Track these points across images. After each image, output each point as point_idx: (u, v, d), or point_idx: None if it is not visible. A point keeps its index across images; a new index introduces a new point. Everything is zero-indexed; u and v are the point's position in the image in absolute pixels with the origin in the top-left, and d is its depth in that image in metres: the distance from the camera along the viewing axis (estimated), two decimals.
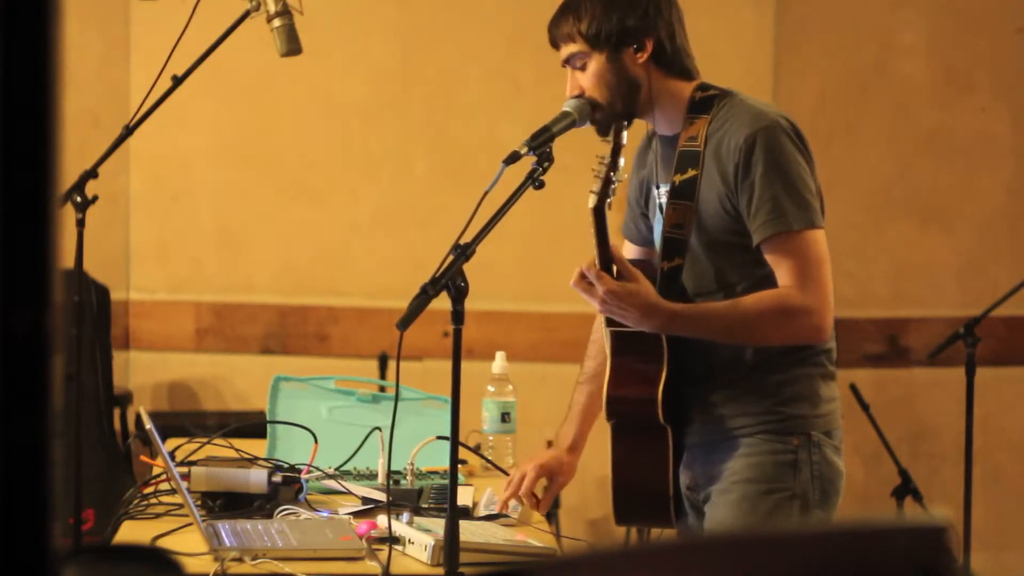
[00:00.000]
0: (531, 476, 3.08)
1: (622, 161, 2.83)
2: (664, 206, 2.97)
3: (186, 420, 5.00)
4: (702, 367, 2.95)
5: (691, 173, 2.92)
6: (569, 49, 2.95)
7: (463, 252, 2.60)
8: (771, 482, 2.91)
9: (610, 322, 2.94)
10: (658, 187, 3.02)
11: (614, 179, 2.81)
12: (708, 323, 2.87)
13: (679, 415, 2.97)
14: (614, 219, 2.89)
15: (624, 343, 2.95)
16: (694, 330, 2.88)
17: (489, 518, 3.07)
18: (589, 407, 3.15)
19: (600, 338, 3.11)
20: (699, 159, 2.90)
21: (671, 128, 2.98)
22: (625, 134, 2.84)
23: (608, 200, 2.82)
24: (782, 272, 2.86)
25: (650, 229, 3.07)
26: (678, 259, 2.92)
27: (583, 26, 2.93)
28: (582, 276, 2.81)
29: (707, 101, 2.94)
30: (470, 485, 3.35)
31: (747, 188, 2.85)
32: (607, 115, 2.94)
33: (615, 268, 2.84)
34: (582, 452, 3.17)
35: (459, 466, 2.76)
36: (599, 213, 2.83)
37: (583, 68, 2.95)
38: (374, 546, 2.78)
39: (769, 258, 2.87)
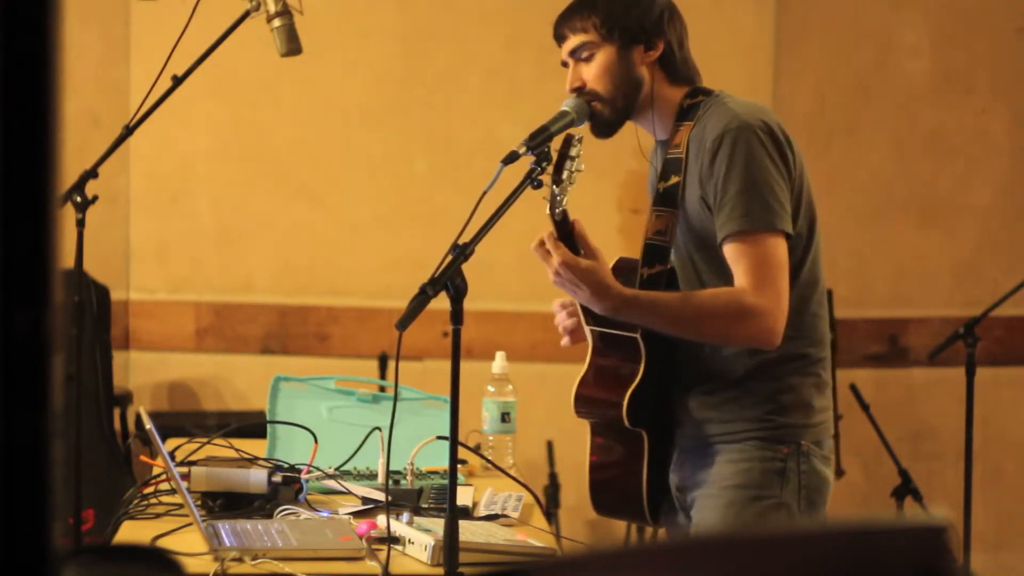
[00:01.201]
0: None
1: (577, 169, 2.82)
2: (649, 212, 2.97)
3: (186, 420, 5.00)
4: (695, 371, 2.94)
5: (674, 180, 2.92)
6: (578, 39, 2.95)
7: (462, 252, 2.60)
8: (758, 489, 2.90)
9: (592, 320, 2.94)
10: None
11: (557, 191, 2.82)
12: (659, 312, 2.84)
13: (669, 418, 2.96)
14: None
15: (605, 343, 2.95)
16: (644, 318, 2.85)
17: (489, 518, 3.07)
18: None
19: None
20: (681, 165, 2.91)
21: (664, 133, 2.99)
22: (577, 147, 2.83)
23: (559, 209, 2.84)
24: (738, 272, 2.83)
25: None
26: (659, 266, 2.92)
27: (598, 18, 2.93)
28: (541, 243, 2.83)
29: (693, 108, 2.94)
30: (470, 485, 3.35)
31: (712, 187, 2.85)
32: (608, 109, 2.94)
33: (578, 245, 2.86)
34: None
35: (459, 466, 2.76)
36: (555, 221, 2.85)
37: (588, 60, 2.95)
38: (374, 546, 2.78)
39: (728, 257, 2.85)
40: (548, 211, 2.84)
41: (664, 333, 2.87)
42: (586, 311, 2.94)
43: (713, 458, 2.93)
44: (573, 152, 2.82)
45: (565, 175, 2.81)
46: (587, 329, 2.97)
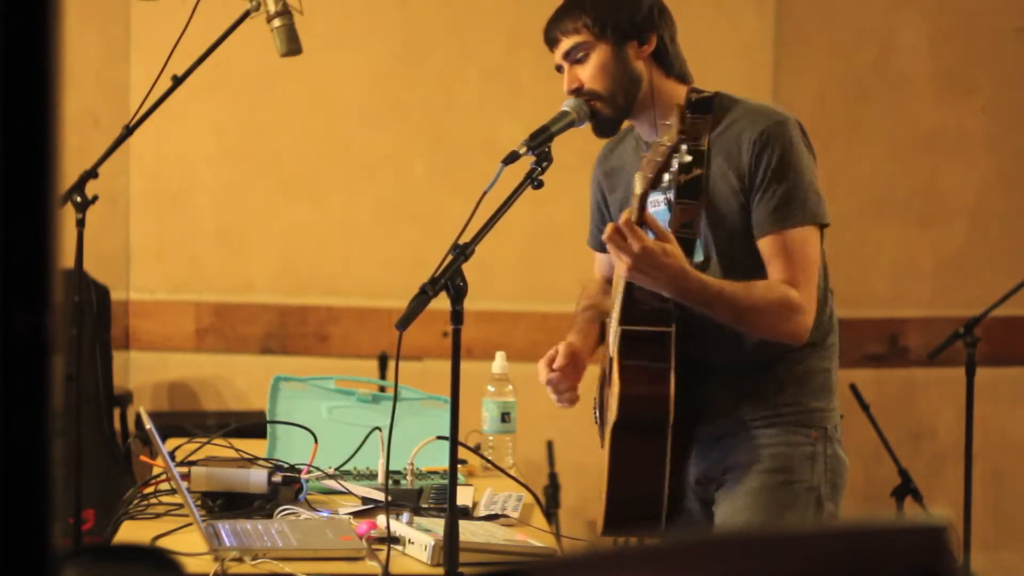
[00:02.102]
0: (562, 350, 3.06)
1: (684, 148, 2.70)
2: (672, 206, 2.93)
3: (186, 420, 5.00)
4: (722, 360, 2.93)
5: (696, 172, 2.90)
6: (571, 40, 2.95)
7: (462, 252, 2.59)
8: (791, 473, 2.92)
9: (627, 320, 2.90)
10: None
11: (673, 165, 2.68)
12: (724, 300, 2.81)
13: (689, 410, 2.95)
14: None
15: (631, 344, 2.88)
16: (708, 305, 2.81)
17: (489, 518, 3.07)
18: (592, 325, 3.15)
19: (597, 280, 3.17)
20: (704, 157, 2.90)
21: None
22: (687, 115, 2.71)
23: (680, 179, 2.72)
24: (777, 268, 2.85)
25: None
26: (687, 259, 2.91)
27: (589, 17, 2.93)
28: (616, 231, 2.71)
29: (705, 102, 2.94)
30: (470, 485, 3.35)
31: (759, 183, 2.86)
32: (608, 107, 2.94)
33: (647, 230, 2.76)
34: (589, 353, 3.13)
35: (459, 466, 2.76)
36: (643, 201, 2.74)
37: (583, 60, 2.95)
38: (374, 546, 2.78)
39: (766, 251, 2.86)
40: (641, 187, 2.70)
41: (719, 320, 2.84)
42: (624, 311, 2.87)
43: (744, 444, 2.93)
44: (686, 122, 2.69)
45: (681, 147, 2.69)
46: (618, 330, 2.90)
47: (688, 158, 2.70)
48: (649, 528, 2.99)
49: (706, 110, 2.92)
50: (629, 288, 2.84)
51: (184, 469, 3.02)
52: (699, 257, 2.92)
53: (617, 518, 2.97)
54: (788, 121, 2.90)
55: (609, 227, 2.72)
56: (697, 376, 2.94)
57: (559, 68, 3.00)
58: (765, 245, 2.86)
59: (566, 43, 2.96)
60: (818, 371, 2.97)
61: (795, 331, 2.87)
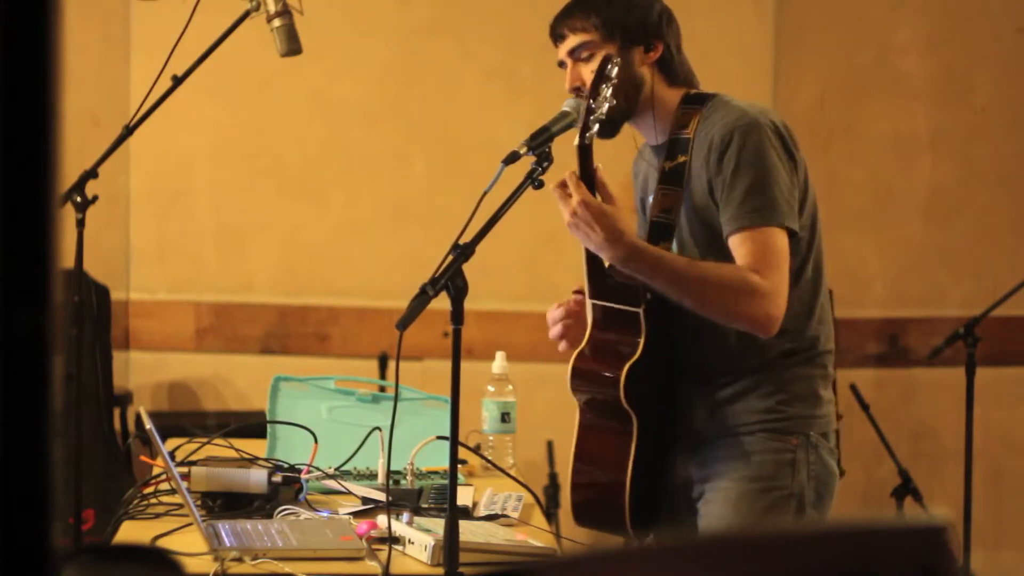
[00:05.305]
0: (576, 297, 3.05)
1: (608, 92, 2.80)
2: (654, 191, 2.96)
3: (186, 420, 5.00)
4: (705, 365, 2.94)
5: (680, 159, 2.93)
6: (579, 38, 2.96)
7: (462, 252, 2.60)
8: (770, 480, 2.91)
9: (595, 294, 2.92)
10: (652, 196, 3.01)
11: (595, 108, 2.78)
12: (664, 268, 2.82)
13: (667, 411, 2.95)
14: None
15: (606, 319, 2.92)
16: (650, 272, 2.82)
17: (489, 518, 3.07)
18: None
19: None
20: (688, 146, 2.91)
21: (661, 136, 2.99)
22: (615, 70, 2.80)
23: (589, 134, 2.79)
24: (742, 256, 2.85)
25: None
26: (664, 243, 2.92)
27: (599, 18, 2.94)
28: (563, 183, 2.80)
29: (700, 97, 2.96)
30: (470, 485, 3.35)
31: (720, 182, 2.87)
32: (609, 108, 2.94)
33: (598, 195, 2.83)
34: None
35: (459, 466, 2.76)
36: (583, 152, 2.81)
37: (588, 60, 2.95)
38: (374, 546, 2.78)
39: (732, 248, 2.86)
40: (576, 138, 2.79)
41: (668, 296, 2.84)
42: (591, 283, 2.91)
43: (723, 451, 2.93)
44: (612, 73, 2.80)
45: (601, 94, 2.78)
46: (589, 304, 2.95)
47: (605, 105, 2.80)
48: (615, 527, 2.97)
49: (698, 104, 2.93)
50: (592, 260, 2.87)
51: (184, 469, 3.02)
52: (674, 248, 2.93)
53: (583, 511, 2.99)
54: (759, 122, 2.87)
55: (558, 180, 2.79)
56: (680, 378, 2.94)
57: (561, 64, 3.01)
58: (731, 243, 2.86)
59: (572, 40, 2.97)
60: (802, 378, 2.95)
61: (756, 315, 2.83)
